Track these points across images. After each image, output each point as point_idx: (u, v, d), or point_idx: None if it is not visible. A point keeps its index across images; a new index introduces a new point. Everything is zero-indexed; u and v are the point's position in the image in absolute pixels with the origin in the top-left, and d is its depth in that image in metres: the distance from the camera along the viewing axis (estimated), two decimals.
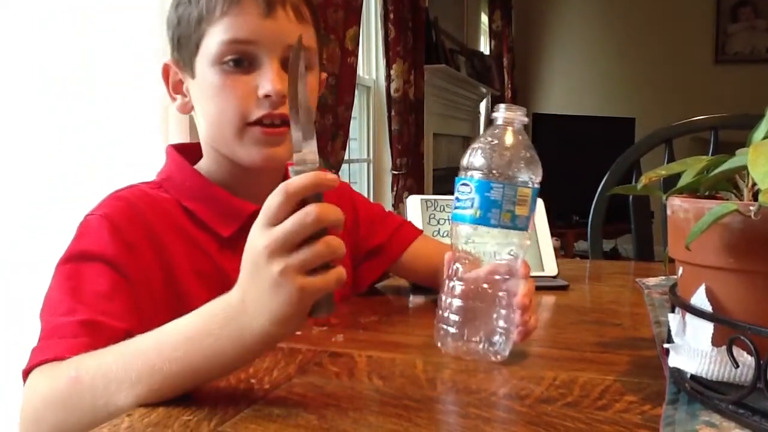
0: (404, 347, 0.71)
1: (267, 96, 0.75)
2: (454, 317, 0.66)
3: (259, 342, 0.54)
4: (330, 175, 0.52)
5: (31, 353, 0.62)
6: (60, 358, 0.59)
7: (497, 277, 0.65)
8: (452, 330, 0.66)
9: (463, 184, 0.64)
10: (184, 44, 0.78)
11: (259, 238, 0.52)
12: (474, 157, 0.64)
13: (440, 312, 0.67)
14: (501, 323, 0.65)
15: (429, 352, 0.69)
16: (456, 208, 0.65)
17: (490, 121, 0.64)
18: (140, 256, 0.71)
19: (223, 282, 0.62)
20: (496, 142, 0.64)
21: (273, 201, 0.51)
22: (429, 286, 0.96)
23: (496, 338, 0.65)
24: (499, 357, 0.65)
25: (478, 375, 0.62)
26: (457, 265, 0.67)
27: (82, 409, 0.55)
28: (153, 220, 0.75)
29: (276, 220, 0.51)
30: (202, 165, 0.83)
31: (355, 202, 0.98)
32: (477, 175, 0.63)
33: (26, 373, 0.61)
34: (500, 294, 0.65)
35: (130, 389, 0.54)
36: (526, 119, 0.65)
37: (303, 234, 0.51)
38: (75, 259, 0.69)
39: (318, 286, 0.51)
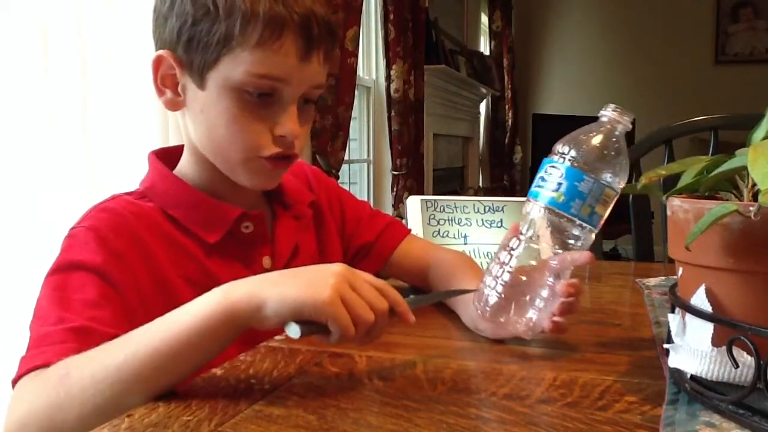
0: (404, 347, 0.71)
1: (282, 136, 0.75)
2: (499, 287, 0.67)
3: (245, 295, 0.57)
4: (412, 318, 0.62)
5: (19, 363, 0.62)
6: (48, 364, 0.59)
7: (552, 262, 0.67)
8: (494, 298, 0.68)
9: (553, 167, 0.65)
10: (198, 50, 0.72)
11: (342, 267, 0.59)
12: (572, 146, 0.65)
13: (487, 278, 0.69)
14: (539, 303, 0.67)
15: (429, 353, 0.69)
16: (538, 187, 0.66)
17: (596, 117, 0.67)
18: (128, 265, 0.71)
19: (213, 287, 0.62)
20: (598, 138, 0.65)
21: (376, 278, 0.61)
22: (418, 285, 0.96)
23: (532, 316, 0.67)
24: (529, 334, 0.68)
25: (478, 375, 0.62)
26: (516, 240, 0.68)
27: (71, 405, 0.55)
28: (139, 228, 0.74)
29: (364, 277, 0.60)
30: (186, 168, 0.82)
31: (342, 201, 0.98)
32: (571, 163, 0.64)
33: (15, 383, 0.61)
34: (548, 277, 0.67)
35: (115, 372, 0.55)
36: (630, 126, 0.66)
37: (368, 292, 0.59)
38: (62, 270, 0.68)
39: (351, 301, 0.57)
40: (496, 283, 0.68)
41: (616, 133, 0.65)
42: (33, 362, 0.60)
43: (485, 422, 0.50)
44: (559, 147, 0.66)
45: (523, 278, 0.67)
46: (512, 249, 0.68)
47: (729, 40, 5.24)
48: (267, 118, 0.75)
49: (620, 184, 0.66)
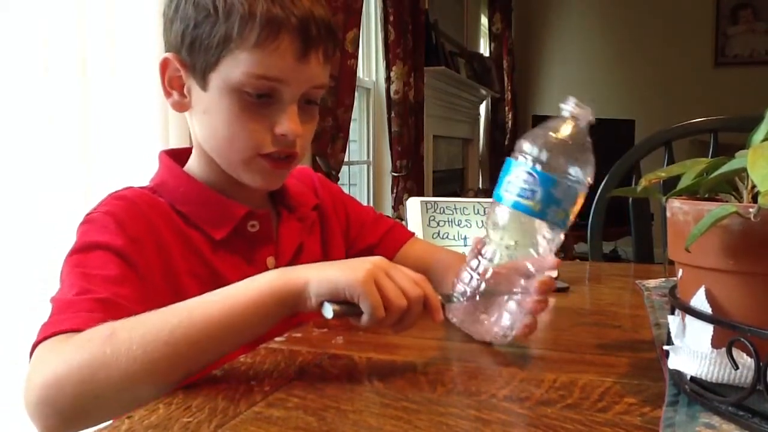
0: (404, 349, 0.71)
1: (283, 135, 0.76)
2: (470, 293, 0.68)
3: (296, 276, 0.61)
4: (441, 316, 0.63)
5: (41, 328, 0.61)
6: (78, 329, 0.59)
7: (528, 264, 0.67)
8: (466, 304, 0.68)
9: (525, 171, 0.63)
10: (200, 52, 0.74)
11: (380, 258, 0.63)
12: (540, 147, 0.64)
13: (458, 285, 0.69)
14: (513, 306, 0.67)
15: (429, 354, 0.69)
16: (508, 192, 0.65)
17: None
18: (144, 251, 0.72)
19: (217, 283, 0.62)
20: (565, 136, 0.64)
21: (412, 272, 0.63)
22: None
23: (505, 321, 0.67)
24: (506, 339, 0.68)
25: (478, 377, 0.62)
26: (487, 247, 0.68)
27: (117, 362, 0.55)
28: (152, 217, 0.75)
29: (401, 269, 0.63)
30: (194, 167, 0.83)
31: (347, 205, 0.99)
32: (542, 167, 0.63)
33: (35, 347, 0.60)
34: (519, 280, 0.67)
35: (167, 335, 0.56)
36: (592, 118, 0.65)
37: (402, 280, 0.61)
38: (83, 250, 0.69)
39: (384, 285, 0.60)
40: (468, 292, 0.68)
41: (581, 128, 0.64)
42: (59, 327, 0.60)
43: (485, 424, 0.50)
44: (527, 147, 0.64)
45: (498, 285, 0.67)
46: (486, 257, 0.68)
47: (729, 42, 5.24)
48: (267, 118, 0.76)
49: (589, 180, 0.65)
